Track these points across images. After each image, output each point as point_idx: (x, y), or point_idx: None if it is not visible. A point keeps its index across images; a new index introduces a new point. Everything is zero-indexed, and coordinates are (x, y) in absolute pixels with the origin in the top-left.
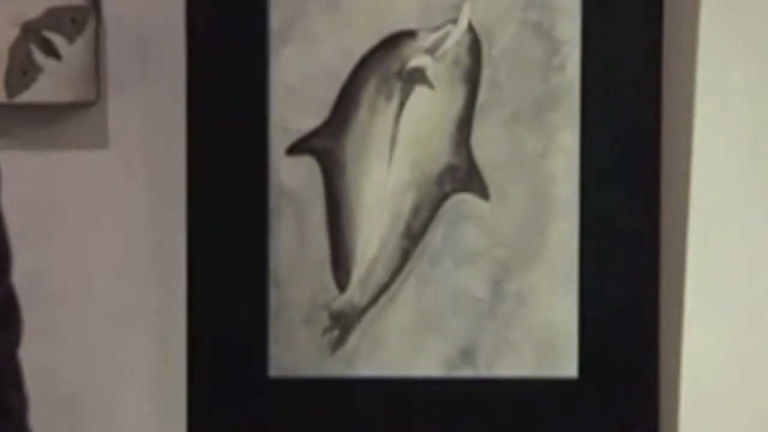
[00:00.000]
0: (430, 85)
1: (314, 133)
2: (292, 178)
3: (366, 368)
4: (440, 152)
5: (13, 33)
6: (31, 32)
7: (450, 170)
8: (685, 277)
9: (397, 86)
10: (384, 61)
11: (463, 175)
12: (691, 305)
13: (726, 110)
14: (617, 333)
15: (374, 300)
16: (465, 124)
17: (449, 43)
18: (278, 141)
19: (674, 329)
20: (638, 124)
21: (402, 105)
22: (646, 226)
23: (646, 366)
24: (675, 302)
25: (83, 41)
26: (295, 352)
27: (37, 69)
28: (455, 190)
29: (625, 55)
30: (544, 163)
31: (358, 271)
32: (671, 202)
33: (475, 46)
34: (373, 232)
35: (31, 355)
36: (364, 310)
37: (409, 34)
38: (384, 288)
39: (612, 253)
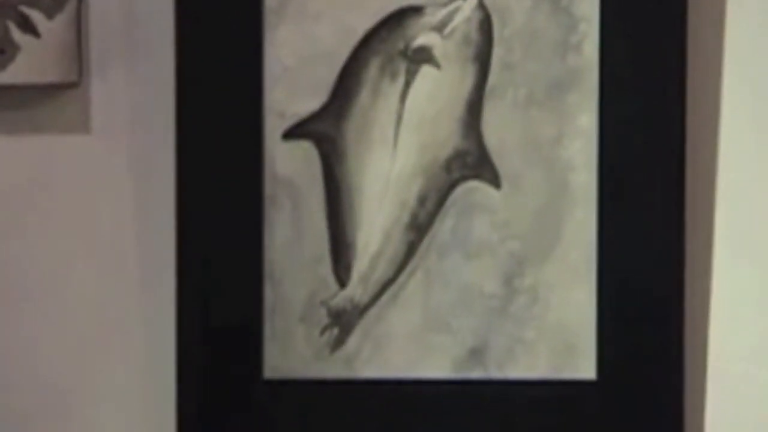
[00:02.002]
0: (438, 65)
1: (312, 117)
2: (289, 164)
3: (368, 370)
4: (448, 137)
5: None
6: (7, 7)
7: (459, 156)
8: (711, 271)
9: (402, 66)
10: (388, 40)
11: (473, 161)
12: (718, 300)
13: (755, 87)
14: (639, 331)
15: (377, 297)
16: (475, 107)
17: (458, 20)
18: (274, 125)
19: (700, 327)
20: (661, 107)
21: (407, 86)
22: (669, 216)
23: (670, 367)
24: (701, 298)
25: (64, 17)
26: (292, 352)
27: (15, 47)
28: (464, 178)
29: (647, 32)
30: (560, 148)
31: (359, 266)
32: (697, 190)
33: (486, 23)
34: (375, 224)
35: (10, 349)
36: (365, 308)
37: (415, 10)
38: (388, 284)
39: (633, 245)
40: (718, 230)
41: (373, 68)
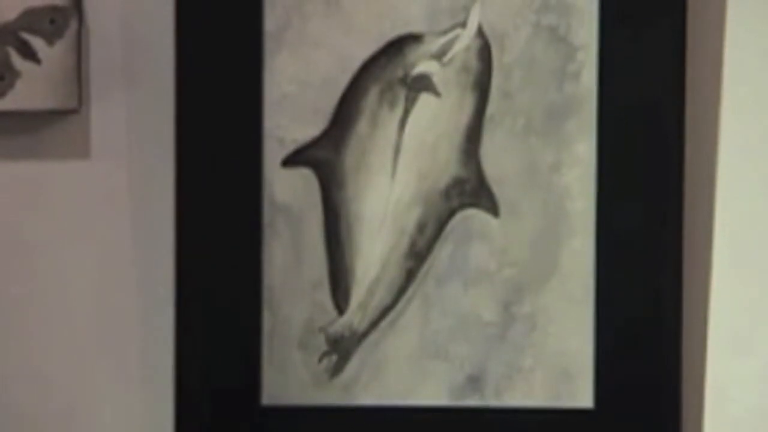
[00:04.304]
0: (437, 93)
1: (312, 144)
2: (288, 191)
3: (366, 396)
4: (447, 164)
5: None
6: (8, 34)
7: (457, 184)
8: (709, 299)
9: (401, 94)
10: (387, 67)
11: (471, 189)
12: (715, 330)
13: (753, 119)
14: (636, 360)
15: (375, 323)
16: (474, 135)
17: (457, 48)
18: (273, 152)
19: (698, 356)
20: (659, 135)
21: (406, 114)
22: (667, 244)
23: (667, 396)
24: (698, 326)
25: (64, 44)
26: (290, 378)
27: (15, 73)
28: (463, 205)
29: (645, 61)
30: (558, 176)
31: (358, 293)
32: (695, 218)
33: (485, 52)
34: (374, 251)
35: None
36: (364, 335)
37: (415, 38)
38: (386, 311)
39: (631, 273)
40: (716, 260)
41: (372, 96)
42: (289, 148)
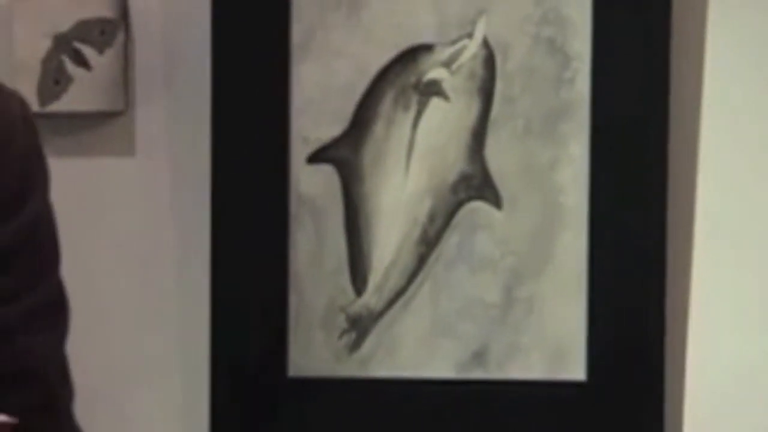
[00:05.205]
0: (446, 98)
1: (333, 143)
2: (312, 185)
3: (381, 370)
4: (455, 162)
5: (45, 44)
6: (63, 44)
7: (464, 179)
8: (690, 285)
9: (414, 98)
10: (401, 74)
11: (477, 183)
12: (695, 312)
13: (732, 121)
14: (624, 338)
15: (390, 304)
16: (479, 135)
17: (465, 57)
18: (299, 150)
19: (679, 335)
20: (646, 136)
21: (418, 116)
22: (653, 234)
23: (651, 369)
24: (680, 309)
25: (112, 52)
26: (313, 353)
27: (68, 79)
28: (469, 198)
29: (633, 69)
30: (554, 173)
31: (374, 276)
32: (678, 211)
33: (489, 60)
34: (389, 239)
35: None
36: (380, 314)
37: (426, 48)
38: (400, 293)
39: (619, 261)
40: (697, 246)
41: (387, 100)
42: (313, 146)
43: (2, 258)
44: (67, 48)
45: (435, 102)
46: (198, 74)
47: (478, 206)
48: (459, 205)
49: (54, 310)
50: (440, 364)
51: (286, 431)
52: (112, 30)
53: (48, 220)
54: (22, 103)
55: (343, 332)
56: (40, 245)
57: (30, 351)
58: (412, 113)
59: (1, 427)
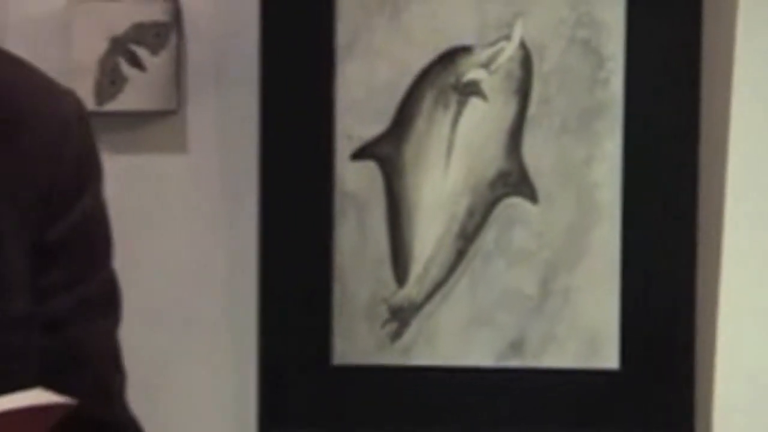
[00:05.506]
0: (485, 97)
1: (376, 141)
2: (356, 181)
3: (422, 358)
4: (493, 159)
5: (102, 46)
6: (119, 46)
7: (502, 176)
8: (719, 277)
9: (454, 98)
10: (441, 75)
11: (514, 180)
12: (725, 301)
13: (761, 119)
14: (656, 328)
15: (430, 295)
16: (516, 133)
17: (503, 59)
18: (343, 147)
19: (710, 324)
20: (677, 133)
21: (458, 115)
22: (683, 228)
23: (682, 357)
24: (710, 299)
25: (166, 54)
26: (357, 342)
27: (124, 79)
28: (507, 194)
29: (665, 69)
30: (588, 169)
31: (415, 269)
32: (707, 206)
33: (526, 62)
34: (430, 233)
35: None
36: (420, 305)
37: (465, 50)
38: (440, 284)
39: (651, 254)
40: (726, 240)
41: (428, 99)
42: (357, 144)
43: (57, 251)
44: (122, 50)
45: (474, 101)
46: (247, 74)
47: (515, 202)
48: (497, 200)
49: (106, 301)
50: (478, 353)
51: (330, 416)
52: (165, 33)
53: (101, 214)
54: (77, 102)
55: (385, 322)
56: (92, 239)
57: (82, 339)
58: (451, 112)
59: (58, 408)
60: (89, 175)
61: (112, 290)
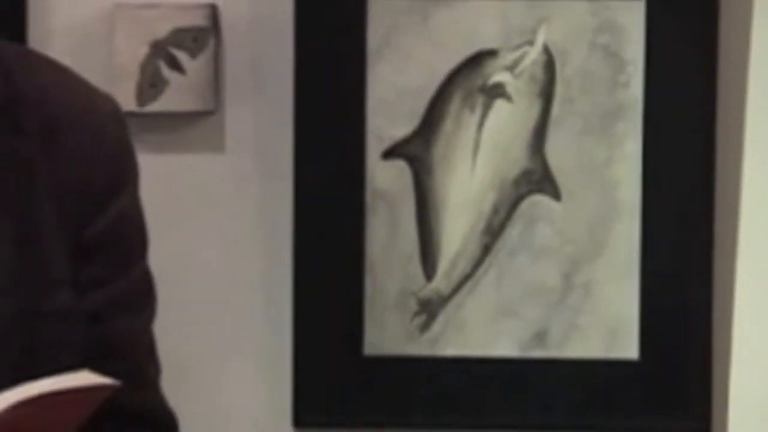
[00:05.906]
0: (510, 99)
1: (406, 141)
2: (386, 180)
3: (449, 348)
4: (518, 158)
5: (143, 51)
6: (159, 50)
7: (526, 174)
8: (735, 271)
9: (480, 100)
10: (468, 77)
11: (537, 178)
12: (741, 295)
13: None
14: (674, 320)
15: (457, 289)
16: (540, 134)
17: (527, 62)
18: (374, 147)
19: (726, 315)
20: (695, 135)
21: (484, 116)
22: (700, 225)
23: (699, 348)
24: (727, 291)
25: (204, 58)
26: (387, 334)
27: (164, 82)
28: (531, 192)
29: (683, 73)
30: (609, 169)
31: (443, 263)
32: (724, 205)
33: (549, 65)
34: (457, 229)
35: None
36: (448, 298)
37: (491, 53)
38: (466, 278)
39: (669, 249)
40: (742, 235)
41: (455, 101)
42: (387, 143)
43: (93, 249)
44: (163, 54)
45: (499, 103)
46: (282, 77)
47: (539, 199)
48: (521, 198)
49: (140, 297)
50: (504, 344)
51: (362, 404)
52: (204, 37)
53: (136, 213)
54: (113, 104)
55: (415, 314)
56: (128, 237)
57: (118, 332)
58: (478, 113)
59: (103, 388)
60: (125, 175)
61: (147, 286)
